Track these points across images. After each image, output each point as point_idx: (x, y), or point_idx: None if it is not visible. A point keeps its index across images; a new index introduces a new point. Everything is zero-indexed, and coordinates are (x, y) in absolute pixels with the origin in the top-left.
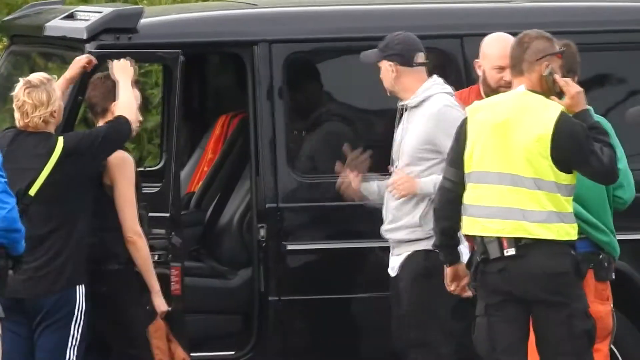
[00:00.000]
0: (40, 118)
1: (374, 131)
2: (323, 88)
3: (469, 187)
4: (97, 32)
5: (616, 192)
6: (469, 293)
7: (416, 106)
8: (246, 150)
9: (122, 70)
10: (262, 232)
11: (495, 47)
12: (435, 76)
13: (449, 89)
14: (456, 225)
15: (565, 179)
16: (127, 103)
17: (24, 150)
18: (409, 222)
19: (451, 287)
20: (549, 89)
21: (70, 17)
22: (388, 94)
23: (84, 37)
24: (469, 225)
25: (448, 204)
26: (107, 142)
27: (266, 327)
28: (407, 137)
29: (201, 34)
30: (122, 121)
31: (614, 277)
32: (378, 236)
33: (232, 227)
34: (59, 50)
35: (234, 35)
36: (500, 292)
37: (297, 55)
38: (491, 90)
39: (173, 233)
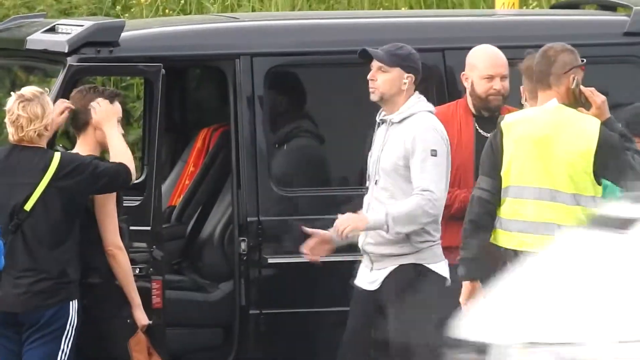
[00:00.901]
0: (35, 132)
1: (354, 145)
2: (304, 101)
3: (507, 201)
4: (78, 46)
5: None
6: None
7: (399, 122)
8: (228, 163)
9: (105, 117)
10: (243, 246)
11: (483, 58)
12: (417, 93)
13: (431, 107)
14: (490, 237)
15: (600, 190)
16: (123, 154)
17: (19, 164)
18: (395, 236)
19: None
20: (576, 100)
21: (52, 30)
22: (375, 99)
23: (65, 50)
24: (505, 239)
25: (488, 215)
26: (104, 176)
27: (247, 340)
28: (386, 152)
29: (183, 47)
30: (123, 166)
31: None
32: (359, 250)
33: (214, 241)
34: (40, 64)
35: (215, 48)
36: None
37: (279, 68)
38: (480, 102)
39: (154, 246)
